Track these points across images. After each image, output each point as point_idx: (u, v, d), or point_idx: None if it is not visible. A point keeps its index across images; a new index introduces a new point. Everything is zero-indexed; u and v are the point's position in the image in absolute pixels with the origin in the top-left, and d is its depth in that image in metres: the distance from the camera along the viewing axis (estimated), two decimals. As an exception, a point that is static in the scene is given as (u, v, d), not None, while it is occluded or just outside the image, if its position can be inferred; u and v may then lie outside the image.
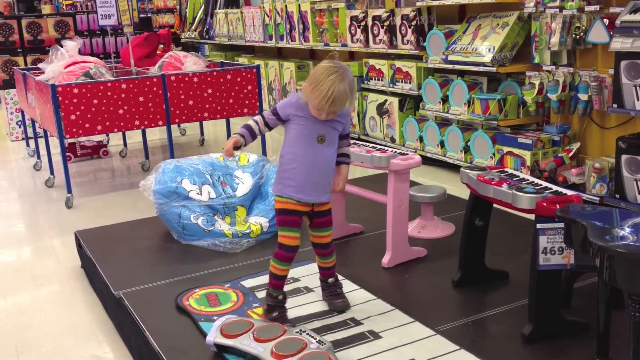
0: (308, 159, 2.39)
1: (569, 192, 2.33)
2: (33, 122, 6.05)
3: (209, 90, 5.06)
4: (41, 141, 6.00)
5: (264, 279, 2.91)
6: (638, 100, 3.60)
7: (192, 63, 5.35)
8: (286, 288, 2.80)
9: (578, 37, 3.98)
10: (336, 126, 2.43)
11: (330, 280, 2.64)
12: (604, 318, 2.02)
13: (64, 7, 11.13)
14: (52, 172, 5.40)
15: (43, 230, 4.37)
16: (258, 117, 2.48)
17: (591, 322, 2.24)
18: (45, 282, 3.48)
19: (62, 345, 2.79)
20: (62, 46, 5.37)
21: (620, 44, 3.56)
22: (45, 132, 5.48)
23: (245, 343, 2.22)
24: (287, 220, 2.43)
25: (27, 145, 6.87)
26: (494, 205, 2.59)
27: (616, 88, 3.69)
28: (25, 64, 8.06)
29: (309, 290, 2.78)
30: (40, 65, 5.41)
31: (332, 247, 2.58)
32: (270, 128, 2.47)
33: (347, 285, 2.76)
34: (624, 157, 3.67)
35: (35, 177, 5.78)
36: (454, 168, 4.99)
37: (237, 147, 2.43)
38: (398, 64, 5.50)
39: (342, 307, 2.58)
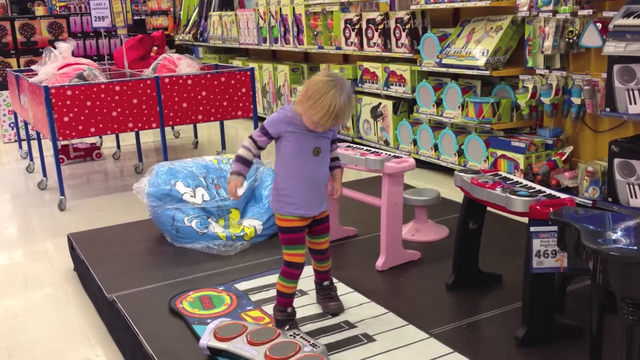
0: (307, 174, 2.33)
1: (562, 196, 2.34)
2: (26, 124, 6.03)
3: (203, 93, 5.06)
4: (34, 143, 5.98)
5: (258, 281, 2.92)
6: (631, 104, 3.62)
7: (186, 65, 5.34)
8: (280, 291, 2.81)
9: (571, 41, 4.00)
10: (328, 135, 2.38)
11: (325, 283, 2.63)
12: (597, 321, 2.02)
13: (58, 8, 11.10)
14: (44, 175, 5.38)
15: (35, 233, 4.35)
16: (248, 142, 2.36)
17: (584, 325, 2.25)
18: (37, 285, 3.46)
19: (55, 348, 2.77)
20: (55, 48, 5.36)
21: (613, 48, 3.58)
22: (38, 134, 5.45)
23: (238, 346, 2.22)
24: (294, 238, 2.38)
25: (20, 147, 6.85)
26: (488, 208, 2.60)
27: (609, 92, 3.71)
28: (19, 65, 8.03)
29: (302, 293, 2.77)
30: (33, 67, 5.39)
31: (329, 252, 2.57)
32: (262, 149, 2.38)
33: (341, 288, 2.75)
34: (616, 160, 3.69)
35: (27, 180, 5.76)
36: (448, 171, 5.00)
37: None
38: (392, 67, 5.51)
39: (336, 309, 2.58)
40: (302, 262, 2.40)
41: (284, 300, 2.45)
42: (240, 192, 2.46)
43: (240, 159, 2.37)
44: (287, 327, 2.41)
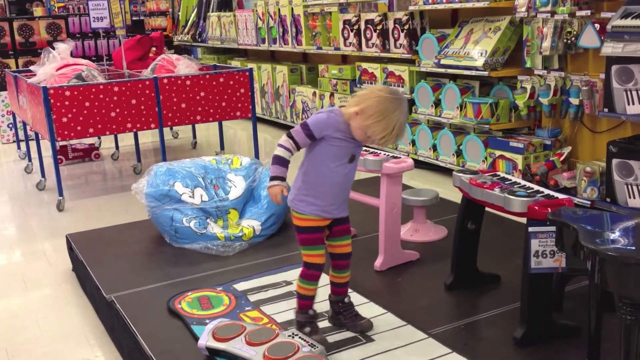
0: (339, 179, 2.26)
1: (561, 196, 2.34)
2: (24, 124, 6.03)
3: (202, 93, 5.06)
4: (32, 144, 5.98)
5: (257, 282, 2.92)
6: (629, 104, 3.62)
7: (184, 66, 5.34)
8: (279, 291, 2.81)
9: (569, 41, 4.01)
10: (362, 144, 2.30)
11: (346, 299, 2.47)
12: (595, 321, 2.02)
13: (56, 9, 11.09)
14: (43, 175, 5.38)
15: (34, 234, 4.35)
16: (288, 142, 2.20)
17: (582, 325, 2.25)
18: (36, 285, 3.46)
19: (54, 349, 2.77)
20: (54, 49, 5.36)
21: (611, 48, 3.58)
22: (36, 134, 5.45)
23: (237, 347, 2.22)
24: (313, 238, 2.29)
25: (19, 147, 6.84)
26: (486, 208, 2.60)
27: (607, 92, 3.72)
28: (17, 66, 8.03)
29: (301, 293, 2.77)
30: (32, 68, 5.39)
31: (350, 260, 2.42)
32: (300, 149, 2.25)
33: (340, 289, 2.75)
34: (614, 161, 3.69)
35: (26, 180, 5.75)
36: (446, 172, 5.00)
37: None
38: (391, 67, 5.51)
39: (369, 326, 2.44)
40: (322, 263, 2.31)
41: (305, 303, 2.36)
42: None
43: (279, 161, 2.21)
44: (309, 329, 2.33)
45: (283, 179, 2.22)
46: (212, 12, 9.20)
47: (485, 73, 4.54)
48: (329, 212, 2.28)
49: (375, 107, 2.13)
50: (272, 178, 2.21)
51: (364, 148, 3.21)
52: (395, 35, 5.40)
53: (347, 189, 2.33)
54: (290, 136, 2.21)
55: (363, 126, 2.15)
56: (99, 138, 6.84)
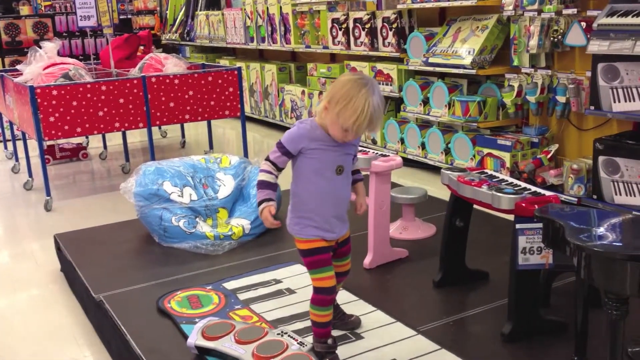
0: (329, 195, 2.12)
1: (548, 193, 2.36)
2: (11, 124, 5.98)
3: (190, 92, 5.05)
4: (19, 143, 5.94)
5: (246, 280, 2.92)
6: (614, 102, 3.66)
7: (172, 65, 5.33)
8: (268, 290, 2.81)
9: (556, 40, 4.04)
10: (351, 151, 2.16)
11: (335, 302, 2.45)
12: (581, 317, 2.05)
13: (43, 8, 11.01)
14: (30, 175, 5.34)
15: (22, 234, 4.32)
16: (268, 166, 2.10)
17: (569, 320, 2.27)
18: (24, 286, 3.44)
19: (42, 349, 2.76)
20: (40, 47, 5.32)
21: (597, 46, 3.61)
22: (23, 134, 5.41)
23: (226, 345, 2.22)
24: (320, 259, 2.14)
25: (5, 147, 6.79)
26: (474, 206, 2.61)
27: (593, 90, 3.75)
28: (3, 65, 7.97)
29: (291, 292, 2.78)
30: (18, 67, 5.35)
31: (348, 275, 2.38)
32: (282, 169, 2.14)
33: (329, 287, 2.76)
34: (601, 158, 3.72)
35: (13, 180, 5.71)
36: (435, 170, 5.02)
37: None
38: (379, 66, 5.53)
39: (358, 323, 2.45)
40: (334, 286, 2.16)
41: (321, 331, 2.20)
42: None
43: (262, 184, 2.10)
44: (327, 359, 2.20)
45: (269, 199, 2.09)
46: (200, 10, 9.17)
47: (473, 71, 4.57)
48: (330, 232, 2.15)
49: (339, 91, 2.00)
50: (259, 204, 2.11)
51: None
52: (384, 34, 5.41)
53: (342, 205, 2.18)
54: (267, 159, 2.12)
55: (334, 118, 2.01)
56: (87, 137, 6.81)
